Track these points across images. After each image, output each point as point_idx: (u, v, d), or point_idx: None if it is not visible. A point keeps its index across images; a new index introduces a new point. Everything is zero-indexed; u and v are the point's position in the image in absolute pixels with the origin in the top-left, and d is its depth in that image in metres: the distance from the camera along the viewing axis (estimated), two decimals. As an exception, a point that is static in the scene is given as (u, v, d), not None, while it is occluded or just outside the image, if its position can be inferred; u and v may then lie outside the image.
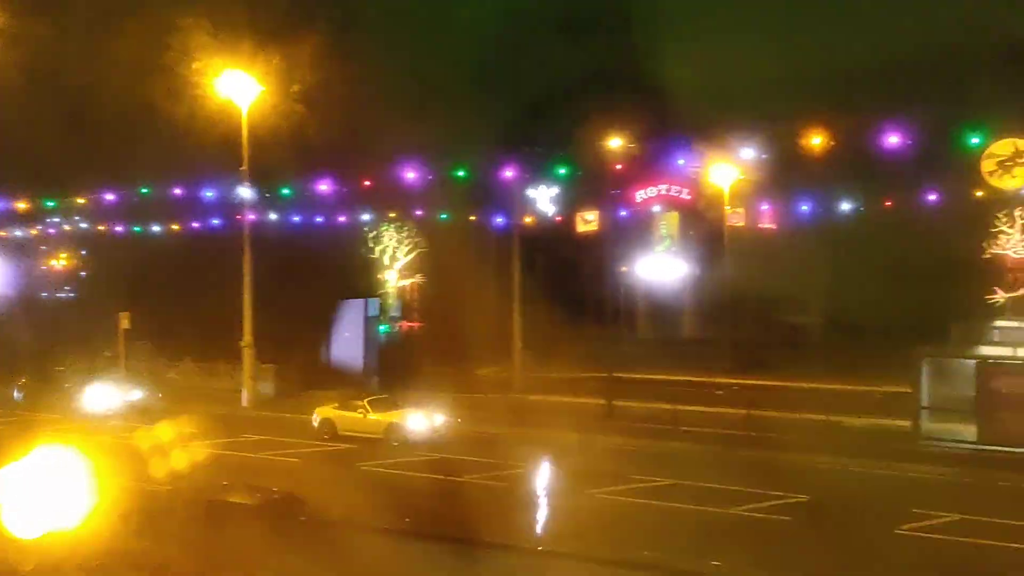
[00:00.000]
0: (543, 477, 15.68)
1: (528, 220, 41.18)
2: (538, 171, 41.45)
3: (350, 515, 17.01)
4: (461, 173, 39.92)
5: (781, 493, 19.48)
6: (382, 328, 40.82)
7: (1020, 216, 36.74)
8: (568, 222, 44.53)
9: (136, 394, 31.52)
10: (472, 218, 44.57)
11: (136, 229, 47.60)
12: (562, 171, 41.06)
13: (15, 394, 34.06)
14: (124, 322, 35.68)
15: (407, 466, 22.67)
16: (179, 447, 17.41)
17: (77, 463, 6.54)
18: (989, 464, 22.73)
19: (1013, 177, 35.09)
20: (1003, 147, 35.25)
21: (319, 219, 44.39)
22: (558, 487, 16.76)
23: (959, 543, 16.53)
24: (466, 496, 19.16)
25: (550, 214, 42.90)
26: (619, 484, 20.66)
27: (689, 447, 25.26)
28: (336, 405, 27.15)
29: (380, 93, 34.83)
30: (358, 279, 40.79)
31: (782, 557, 15.40)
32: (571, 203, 44.50)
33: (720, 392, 32.93)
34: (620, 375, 32.25)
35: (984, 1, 39.00)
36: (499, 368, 36.36)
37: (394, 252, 42.47)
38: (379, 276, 42.25)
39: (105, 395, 30.96)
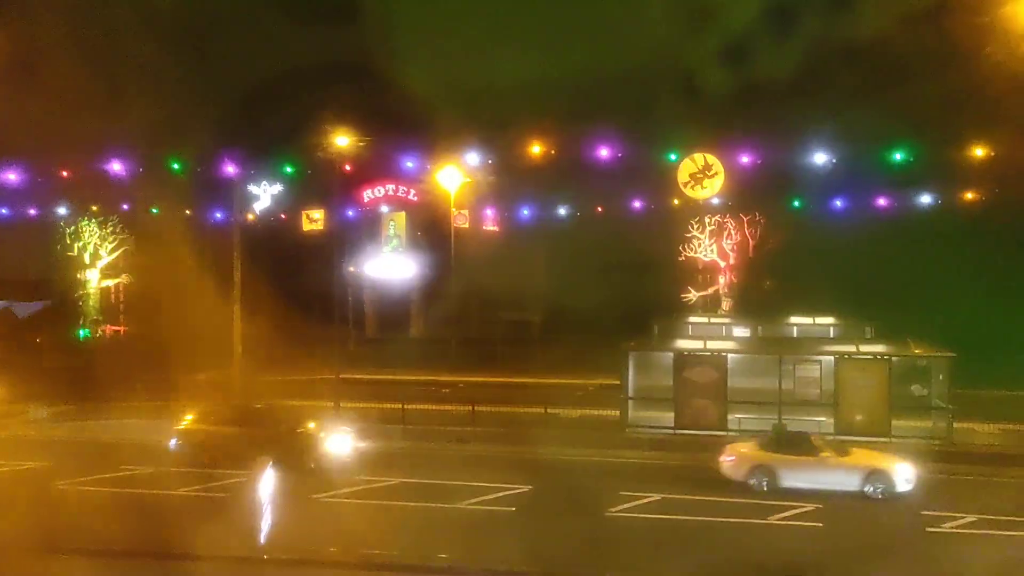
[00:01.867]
0: (266, 484, 14.94)
1: (250, 217, 39.36)
2: (262, 166, 39.79)
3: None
4: (176, 165, 37.25)
5: (506, 485, 20.11)
6: (82, 333, 37.02)
7: (709, 223, 41.00)
8: (294, 220, 43.22)
9: None
10: (188, 213, 41.81)
11: None
12: (287, 167, 39.74)
13: None
14: None
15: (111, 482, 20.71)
16: None
17: None
18: (685, 446, 25.05)
19: (704, 188, 39.28)
20: (695, 161, 39.38)
21: (3, 211, 39.41)
22: (284, 493, 16.08)
23: (662, 520, 18.07)
24: (186, 510, 17.91)
25: (274, 211, 41.35)
26: (346, 487, 20.29)
27: (416, 445, 25.41)
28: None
29: (81, 74, 31.52)
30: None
31: (507, 546, 15.87)
32: (297, 201, 43.23)
33: (446, 390, 33.53)
34: (347, 376, 31.79)
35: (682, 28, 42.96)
36: (219, 372, 34.36)
37: (96, 250, 38.71)
38: (78, 276, 38.31)
39: None
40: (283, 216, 42.37)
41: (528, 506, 18.88)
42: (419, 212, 48.52)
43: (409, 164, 44.21)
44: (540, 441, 24.67)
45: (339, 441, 23.19)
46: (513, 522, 17.82)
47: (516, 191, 46.56)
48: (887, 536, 17.10)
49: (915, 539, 16.80)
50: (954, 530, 17.13)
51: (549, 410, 27.87)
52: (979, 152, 35.89)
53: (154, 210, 40.57)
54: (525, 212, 47.44)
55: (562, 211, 47.31)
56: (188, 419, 23.88)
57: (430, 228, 48.47)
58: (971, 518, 17.75)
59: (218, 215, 40.76)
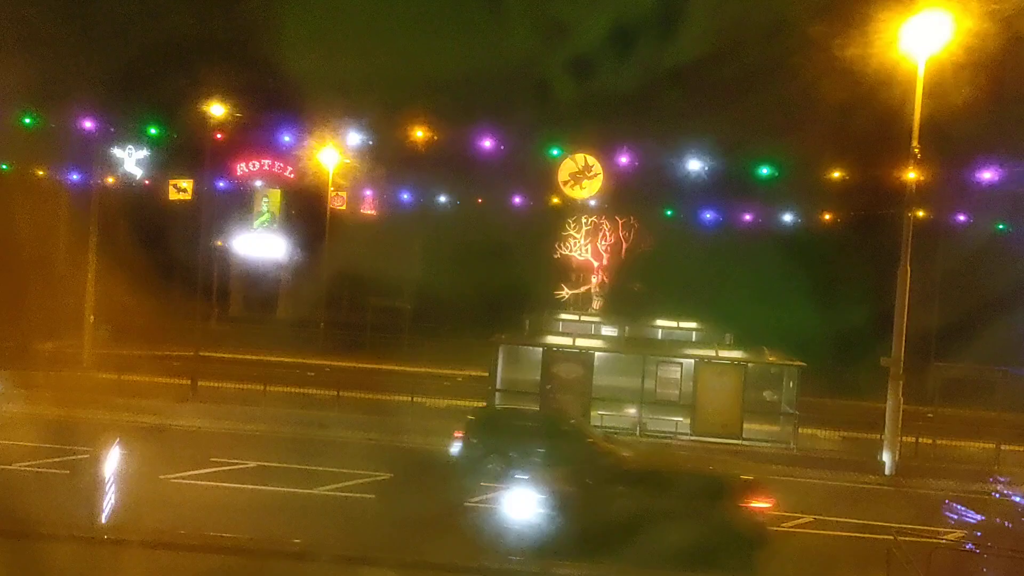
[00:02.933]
0: (112, 462, 14.14)
1: (111, 181, 37.26)
2: (129, 130, 37.73)
3: None
4: (28, 120, 34.73)
5: (366, 472, 19.86)
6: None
7: (586, 223, 41.77)
8: (159, 189, 41.22)
9: None
10: (41, 173, 39.19)
11: None
12: (154, 131, 37.81)
13: None
14: None
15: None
16: None
17: None
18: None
19: (582, 188, 39.91)
20: (576, 160, 39.98)
21: None
22: (130, 472, 15.29)
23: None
24: (16, 486, 16.70)
25: (138, 177, 39.30)
26: (200, 468, 19.50)
27: (277, 429, 24.73)
28: None
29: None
30: None
31: (362, 532, 15.65)
32: (166, 169, 41.25)
33: (312, 374, 32.83)
34: (207, 354, 30.62)
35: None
36: (66, 343, 32.45)
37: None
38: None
39: None
40: (147, 183, 40.30)
41: (387, 493, 18.70)
42: (295, 191, 47.24)
43: (286, 139, 42.94)
44: (405, 429, 24.54)
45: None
46: (370, 509, 17.62)
47: (396, 177, 46.04)
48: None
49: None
50: (793, 529, 18.05)
51: (416, 399, 27.69)
52: (837, 174, 38.00)
53: (3, 166, 37.84)
54: (404, 198, 46.94)
55: (442, 199, 47.09)
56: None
57: (305, 208, 47.28)
58: (807, 519, 18.75)
59: (75, 177, 38.37)
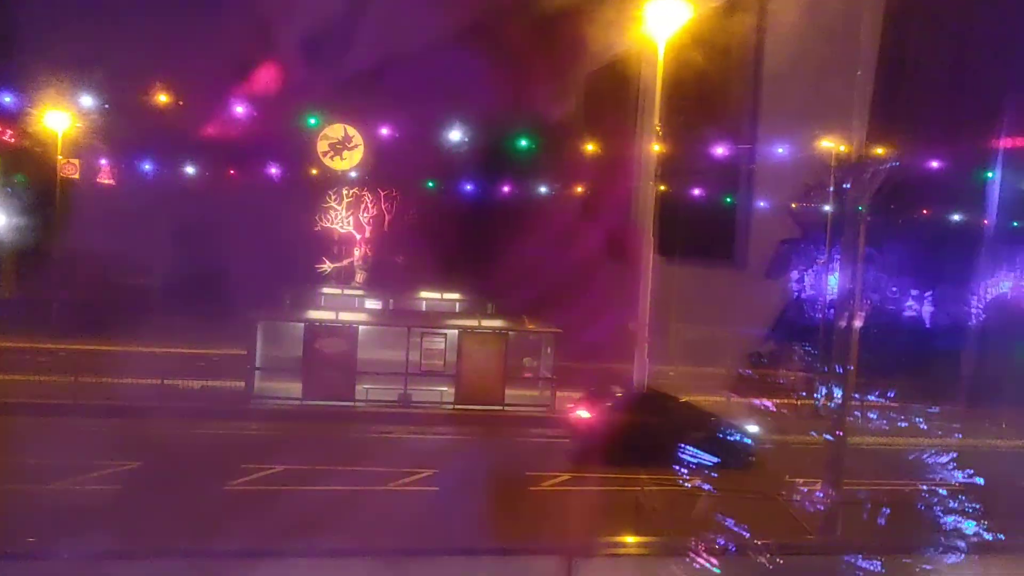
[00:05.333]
0: None
1: None
2: None
3: None
4: None
5: (111, 462, 18.37)
6: None
7: (347, 195, 40.93)
8: None
9: None
10: None
11: None
12: None
13: None
14: None
15: None
16: None
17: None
18: (312, 417, 24.92)
19: (343, 159, 39.11)
20: (335, 131, 39.05)
21: None
22: None
23: (281, 491, 17.71)
24: None
25: None
26: None
27: (6, 420, 22.19)
28: None
29: None
30: None
31: (107, 526, 14.44)
32: None
33: (44, 359, 29.80)
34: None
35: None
36: None
37: None
38: None
39: None
40: None
41: (137, 484, 17.41)
42: (17, 157, 42.22)
43: (7, 99, 38.35)
44: (155, 414, 22.89)
45: None
46: (117, 501, 16.31)
47: (140, 145, 42.58)
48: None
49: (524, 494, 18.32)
50: (553, 488, 18.92)
51: (167, 381, 25.94)
52: (589, 147, 39.98)
53: None
54: (147, 168, 43.53)
55: (190, 170, 44.18)
56: None
57: (32, 177, 42.45)
58: (566, 476, 19.74)
59: None
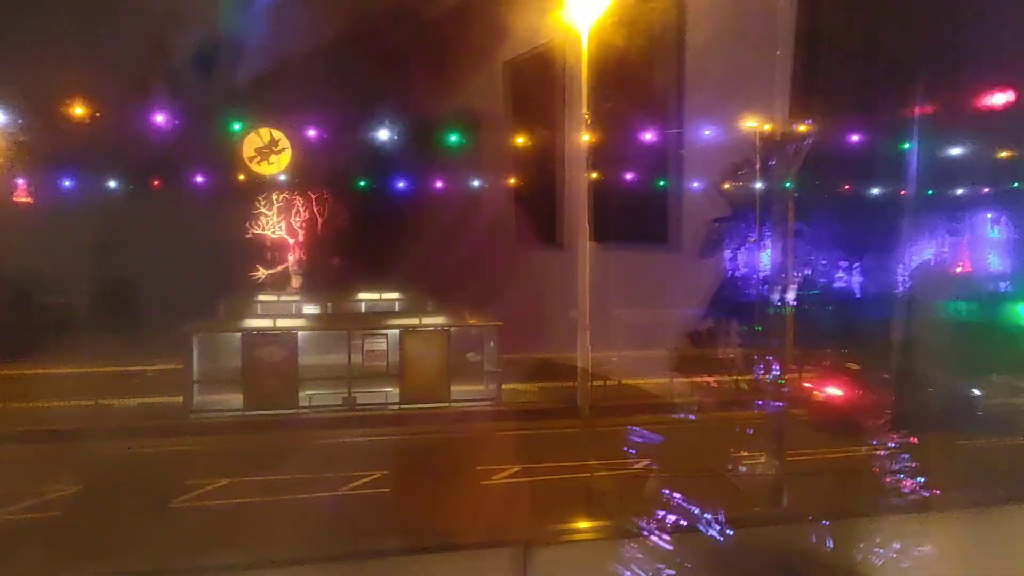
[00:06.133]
0: None
1: None
2: None
3: None
4: None
5: (46, 489, 17.75)
6: None
7: (277, 200, 40.25)
8: None
9: None
10: None
11: None
12: None
13: None
14: None
15: None
16: None
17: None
18: (255, 428, 24.46)
19: (270, 164, 38.42)
20: (261, 136, 38.33)
21: None
22: None
23: (229, 505, 17.35)
24: None
25: None
26: None
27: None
28: None
29: None
30: None
31: (51, 556, 13.97)
32: None
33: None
34: None
35: None
36: None
37: None
38: None
39: None
40: None
41: (77, 509, 16.87)
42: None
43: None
44: (90, 436, 22.20)
45: None
46: (56, 529, 15.78)
47: (56, 160, 41.13)
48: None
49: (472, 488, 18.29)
50: (503, 480, 18.94)
51: (101, 401, 25.20)
52: (519, 138, 39.97)
53: None
54: (67, 183, 42.16)
55: (112, 184, 42.91)
56: None
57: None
58: (515, 468, 19.78)
59: None
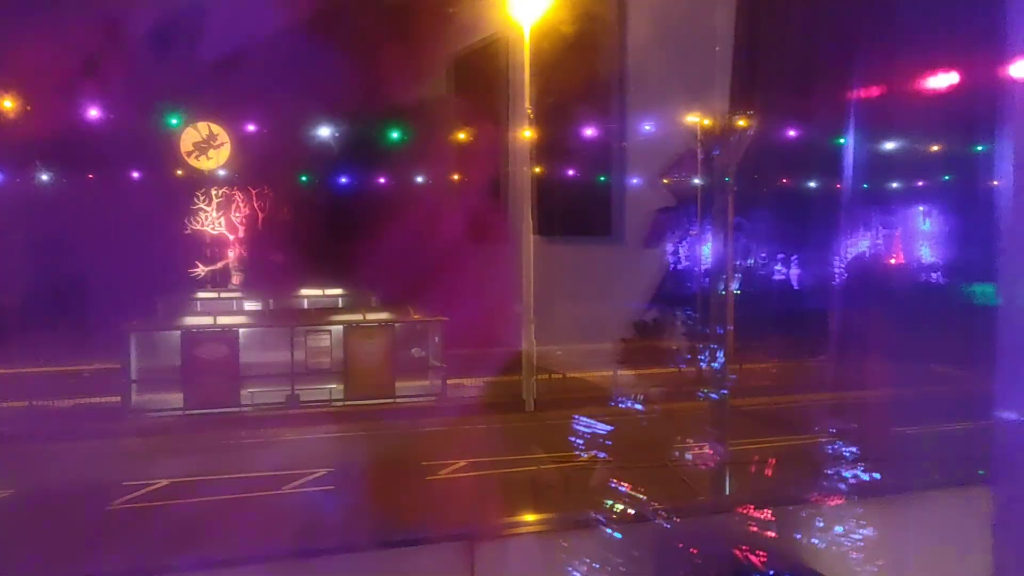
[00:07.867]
0: None
1: None
2: None
3: None
4: None
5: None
6: None
7: (217, 195, 39.55)
8: None
9: None
10: None
11: None
12: None
13: None
14: None
15: None
16: None
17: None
18: (196, 426, 24.03)
19: (209, 159, 37.70)
20: (199, 130, 37.56)
21: None
22: None
23: (168, 505, 17.02)
24: None
25: None
26: None
27: None
28: None
29: None
30: None
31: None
32: None
33: None
34: None
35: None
36: None
37: None
38: None
39: None
40: None
41: (9, 513, 16.37)
42: None
43: None
44: (24, 439, 21.58)
45: None
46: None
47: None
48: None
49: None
50: (450, 475, 18.93)
51: (35, 402, 24.47)
52: (462, 133, 39.85)
53: None
54: (-3, 178, 40.77)
55: (44, 178, 41.62)
56: None
57: None
58: (462, 463, 19.77)
59: None
